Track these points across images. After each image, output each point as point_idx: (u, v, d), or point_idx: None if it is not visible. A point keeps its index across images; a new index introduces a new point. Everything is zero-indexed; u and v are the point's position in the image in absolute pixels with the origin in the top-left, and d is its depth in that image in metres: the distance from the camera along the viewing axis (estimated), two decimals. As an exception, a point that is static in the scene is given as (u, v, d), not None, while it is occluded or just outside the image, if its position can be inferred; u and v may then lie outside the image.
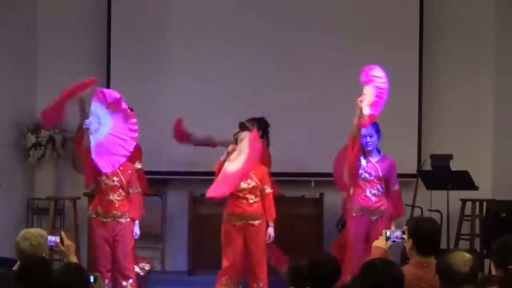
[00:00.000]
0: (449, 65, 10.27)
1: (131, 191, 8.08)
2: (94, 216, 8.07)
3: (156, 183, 9.63)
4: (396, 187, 8.06)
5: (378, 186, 7.99)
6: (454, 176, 9.11)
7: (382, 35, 10.13)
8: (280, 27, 10.18)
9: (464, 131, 10.20)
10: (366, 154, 8.02)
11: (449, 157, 9.22)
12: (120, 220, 8.00)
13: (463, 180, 9.09)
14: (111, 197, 7.98)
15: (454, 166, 9.19)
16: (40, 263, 4.75)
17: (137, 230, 8.10)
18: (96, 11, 10.40)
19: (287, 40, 10.16)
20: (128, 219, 8.02)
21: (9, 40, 9.92)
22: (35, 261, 4.77)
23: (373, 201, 7.95)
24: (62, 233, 5.71)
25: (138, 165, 8.64)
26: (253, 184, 7.96)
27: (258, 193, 7.99)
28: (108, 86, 10.24)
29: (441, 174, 9.17)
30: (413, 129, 10.08)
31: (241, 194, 7.94)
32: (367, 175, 7.98)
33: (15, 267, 4.97)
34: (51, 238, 5.49)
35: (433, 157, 9.42)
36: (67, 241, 5.64)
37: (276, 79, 10.12)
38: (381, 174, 7.95)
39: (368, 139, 7.97)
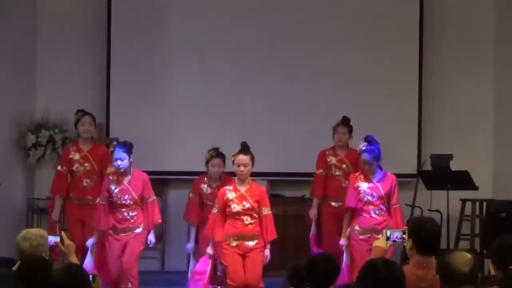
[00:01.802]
0: (449, 65, 10.27)
1: (146, 202, 8.05)
2: (110, 232, 8.05)
3: (156, 183, 9.62)
4: (398, 205, 8.02)
5: (381, 206, 7.95)
6: (454, 176, 9.12)
7: (382, 35, 10.13)
8: (281, 29, 10.17)
9: (464, 131, 10.20)
10: (367, 176, 7.99)
11: (449, 157, 9.22)
12: (134, 231, 8.00)
13: (463, 180, 9.09)
14: (126, 215, 7.97)
15: (454, 166, 9.19)
16: (40, 263, 4.75)
17: (152, 238, 8.05)
18: (96, 11, 10.40)
19: (287, 41, 10.15)
20: (141, 229, 8.00)
21: (9, 40, 9.91)
22: (35, 261, 4.77)
23: (379, 220, 7.94)
24: (62, 233, 5.71)
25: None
26: (248, 206, 7.77)
27: (255, 214, 7.79)
28: (108, 86, 10.26)
29: (441, 174, 9.17)
30: (413, 129, 10.08)
31: (236, 216, 7.83)
32: (369, 197, 7.96)
33: (15, 267, 4.96)
34: (51, 238, 5.48)
35: (433, 157, 9.42)
36: (67, 241, 5.63)
37: (277, 80, 10.12)
38: (383, 194, 7.93)
39: (367, 167, 7.96)
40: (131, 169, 8.00)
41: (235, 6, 10.26)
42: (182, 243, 9.89)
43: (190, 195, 8.63)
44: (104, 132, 10.17)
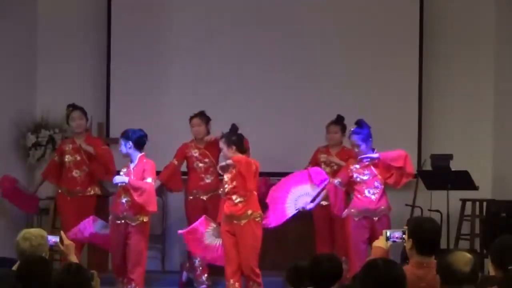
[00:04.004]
0: (449, 65, 10.26)
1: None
2: (110, 216, 8.13)
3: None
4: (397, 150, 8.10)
5: (376, 183, 8.04)
6: (454, 176, 9.12)
7: (382, 35, 10.13)
8: (279, 29, 10.17)
9: (464, 131, 10.20)
10: (358, 159, 8.07)
11: (449, 157, 9.23)
12: (130, 223, 7.99)
13: (463, 180, 9.09)
14: (123, 199, 7.98)
15: (454, 166, 9.20)
16: (40, 263, 4.75)
17: (119, 179, 7.96)
18: (96, 11, 10.40)
19: (286, 41, 10.15)
20: (138, 222, 8.00)
21: (9, 40, 9.91)
22: (35, 261, 4.77)
23: (373, 200, 8.00)
24: (62, 233, 5.72)
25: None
26: (234, 183, 7.89)
27: (243, 192, 7.85)
28: (108, 86, 10.26)
29: (441, 174, 9.18)
30: (413, 129, 10.08)
31: (229, 196, 7.91)
32: (362, 177, 8.03)
33: (15, 267, 4.96)
34: (51, 238, 5.49)
35: (433, 157, 9.43)
36: (66, 241, 5.64)
37: (274, 80, 10.12)
38: (375, 171, 8.02)
39: (356, 149, 8.05)
40: (138, 157, 8.02)
41: (236, 5, 10.26)
42: (182, 243, 9.90)
43: (173, 160, 9.06)
44: (104, 132, 10.18)
